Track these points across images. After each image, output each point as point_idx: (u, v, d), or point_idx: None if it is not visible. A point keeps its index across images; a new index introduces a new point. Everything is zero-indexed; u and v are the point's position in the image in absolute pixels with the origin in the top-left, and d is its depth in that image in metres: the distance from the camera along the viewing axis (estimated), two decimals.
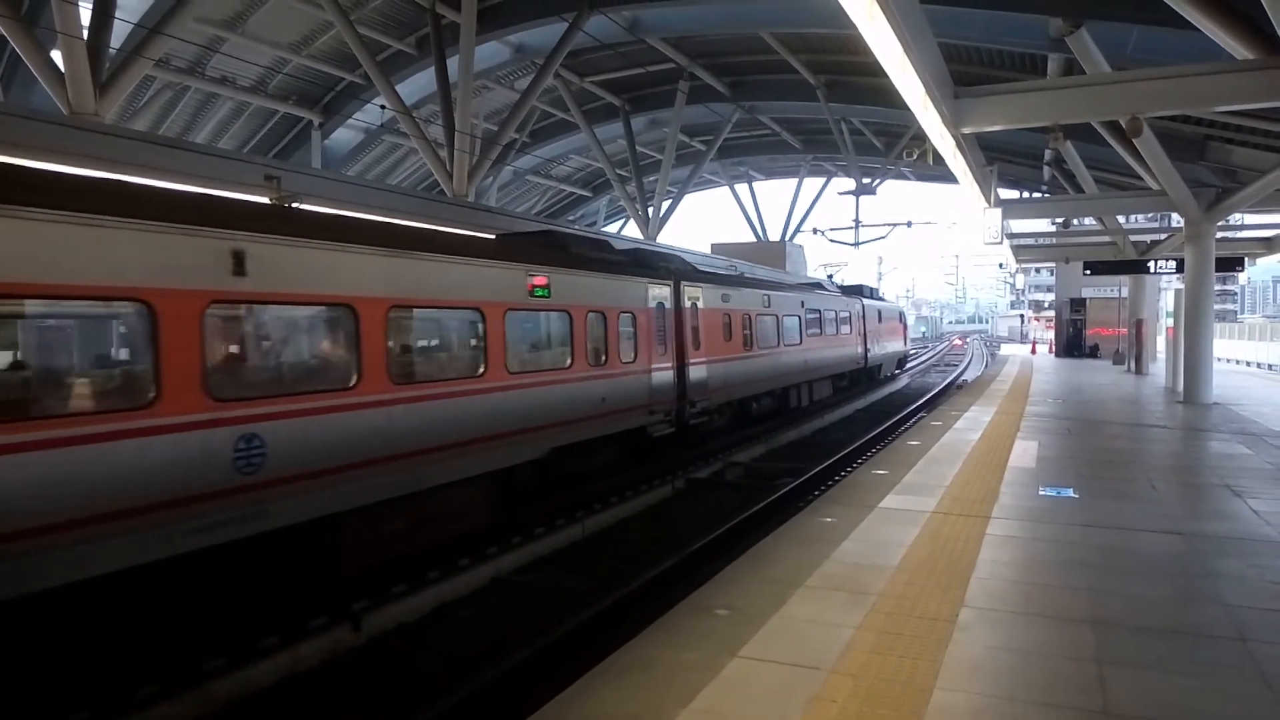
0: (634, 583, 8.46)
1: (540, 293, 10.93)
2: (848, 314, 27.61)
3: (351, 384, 7.95)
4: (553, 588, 8.87)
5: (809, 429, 20.86)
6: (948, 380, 35.58)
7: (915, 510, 7.96)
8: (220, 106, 24.64)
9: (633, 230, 35.62)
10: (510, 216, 20.28)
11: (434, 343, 9.86)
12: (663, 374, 14.31)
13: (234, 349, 7.25)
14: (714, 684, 4.27)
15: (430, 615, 8.15)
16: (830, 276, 38.66)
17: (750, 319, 18.62)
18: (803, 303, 22.93)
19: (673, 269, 15.78)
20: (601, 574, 9.19)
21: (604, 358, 12.47)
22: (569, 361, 11.60)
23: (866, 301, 30.56)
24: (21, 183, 5.82)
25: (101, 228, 5.98)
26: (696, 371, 15.60)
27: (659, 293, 14.42)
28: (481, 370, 9.80)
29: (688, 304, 15.48)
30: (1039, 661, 4.57)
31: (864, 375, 30.16)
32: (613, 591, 8.21)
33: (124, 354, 6.57)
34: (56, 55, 13.79)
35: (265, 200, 8.65)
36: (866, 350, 29.72)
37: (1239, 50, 9.56)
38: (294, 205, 8.48)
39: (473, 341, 9.92)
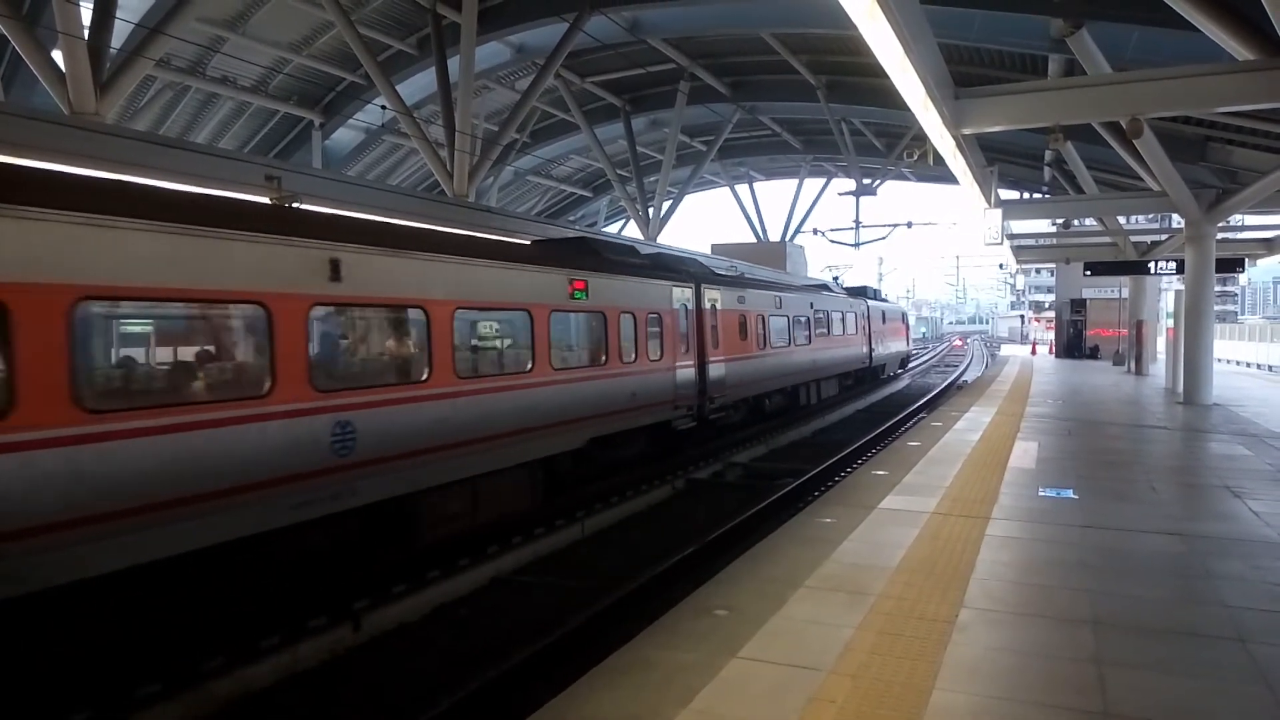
0: (633, 583, 8.46)
1: (579, 295, 11.79)
2: (853, 315, 28.21)
3: (424, 378, 8.83)
4: (552, 588, 8.87)
5: (809, 429, 20.86)
6: (948, 381, 35.56)
7: (915, 511, 7.96)
8: (221, 106, 24.64)
9: (633, 230, 35.64)
10: (511, 217, 20.29)
11: (490, 341, 10.63)
12: (685, 371, 15.05)
13: (330, 345, 8.17)
14: (713, 684, 4.27)
15: (430, 615, 8.15)
16: (836, 279, 39.53)
17: (764, 320, 19.29)
18: (811, 304, 23.55)
19: (693, 272, 16.50)
20: (601, 574, 9.19)
21: (634, 356, 13.25)
22: (604, 359, 12.39)
23: (871, 303, 31.14)
24: (164, 203, 6.65)
25: (230, 241, 6.84)
26: (715, 369, 16.32)
27: (682, 295, 15.18)
28: (530, 366, 10.64)
29: (707, 305, 16.22)
30: (1038, 662, 4.56)
31: (869, 375, 30.79)
32: (612, 592, 8.21)
33: (247, 349, 7.36)
34: (57, 55, 13.80)
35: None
36: (871, 350, 30.31)
37: (1239, 51, 9.57)
38: (293, 205, 8.48)
39: (522, 340, 10.70)
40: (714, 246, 37.45)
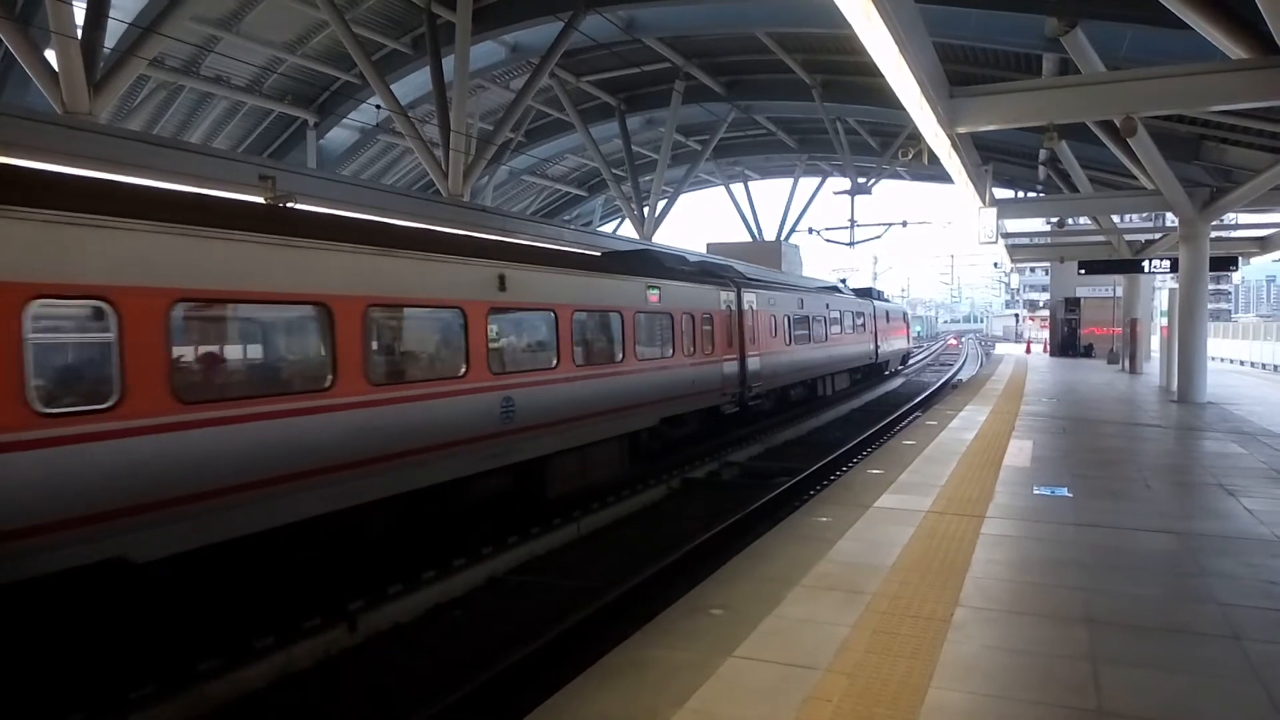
0: (629, 583, 8.46)
1: (653, 299, 14.16)
2: (862, 315, 30.39)
3: (554, 365, 11.18)
4: (548, 588, 8.87)
5: (805, 428, 20.89)
6: (943, 380, 35.62)
7: (910, 510, 7.97)
8: (215, 106, 24.57)
9: (628, 230, 35.60)
10: (508, 217, 20.27)
11: (595, 336, 12.61)
12: (730, 364, 17.24)
13: (498, 339, 10.26)
14: (709, 684, 4.27)
15: (426, 616, 8.14)
16: (844, 281, 41.19)
17: (789, 320, 21.54)
18: (827, 305, 25.79)
19: (732, 278, 18.57)
20: (597, 574, 9.20)
21: (693, 350, 15.47)
22: (671, 352, 14.66)
23: (876, 303, 33.50)
24: (408, 237, 9.25)
25: (441, 263, 9.25)
26: (753, 363, 18.45)
27: (727, 297, 17.38)
28: (620, 358, 12.90)
29: (746, 307, 18.32)
30: (1034, 660, 4.57)
31: (875, 370, 33.22)
32: (608, 592, 8.21)
33: (452, 340, 9.57)
34: (51, 55, 13.75)
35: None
36: (877, 347, 32.54)
37: (1233, 50, 9.58)
38: (288, 205, 8.47)
39: (616, 336, 12.89)
40: (709, 245, 37.42)
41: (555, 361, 11.15)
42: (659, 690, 4.20)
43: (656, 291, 14.26)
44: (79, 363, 6.16)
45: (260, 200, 8.44)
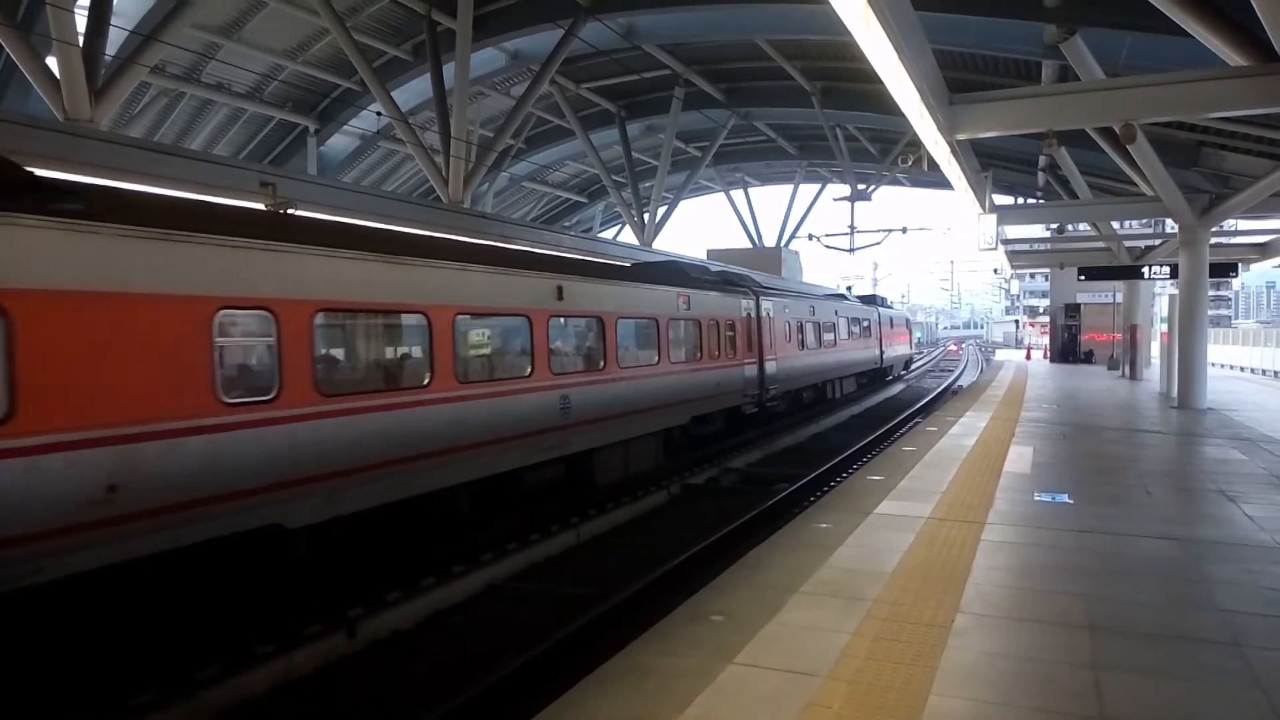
0: (628, 589, 8.44)
1: (685, 307, 15.42)
2: (867, 321, 31.53)
3: (602, 366, 12.44)
4: (547, 595, 8.85)
5: (804, 434, 20.87)
6: (943, 386, 35.62)
7: (911, 516, 7.96)
8: (216, 113, 24.62)
9: (628, 236, 35.65)
10: (506, 223, 20.30)
11: (634, 341, 13.78)
12: (750, 367, 18.50)
13: (556, 342, 11.54)
14: (708, 691, 4.26)
15: (424, 622, 8.13)
16: (850, 288, 42.76)
17: (802, 326, 22.73)
18: (836, 312, 26.89)
19: (751, 286, 19.85)
20: (596, 581, 9.17)
21: (718, 354, 16.71)
22: (700, 356, 15.90)
23: (881, 310, 34.90)
24: (505, 256, 11.15)
25: (512, 276, 10.63)
26: (770, 366, 19.65)
27: (747, 305, 18.62)
28: (657, 361, 14.13)
29: (764, 314, 19.50)
30: (1035, 667, 4.56)
31: (879, 374, 34.26)
32: (607, 598, 8.19)
33: (520, 345, 10.90)
34: (52, 61, 13.77)
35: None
36: (882, 352, 33.71)
37: (1233, 57, 9.60)
38: (289, 211, 8.47)
39: (652, 341, 14.12)
40: (709, 252, 37.48)
41: (603, 364, 12.47)
42: (659, 697, 4.19)
43: (686, 300, 15.51)
44: (251, 362, 7.49)
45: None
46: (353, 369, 8.77)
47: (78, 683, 6.12)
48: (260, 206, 8.52)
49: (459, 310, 9.53)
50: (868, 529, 7.51)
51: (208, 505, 6.67)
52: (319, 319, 7.80)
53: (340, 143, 27.56)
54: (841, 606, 5.48)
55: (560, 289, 11.47)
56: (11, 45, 14.05)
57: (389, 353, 9.35)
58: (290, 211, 8.50)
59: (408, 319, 9.08)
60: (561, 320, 11.70)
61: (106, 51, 14.55)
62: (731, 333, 17.38)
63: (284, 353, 7.38)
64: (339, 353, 8.63)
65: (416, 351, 9.25)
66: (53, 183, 6.49)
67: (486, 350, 10.55)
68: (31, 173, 6.35)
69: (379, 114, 21.75)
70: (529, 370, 10.78)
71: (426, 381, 9.02)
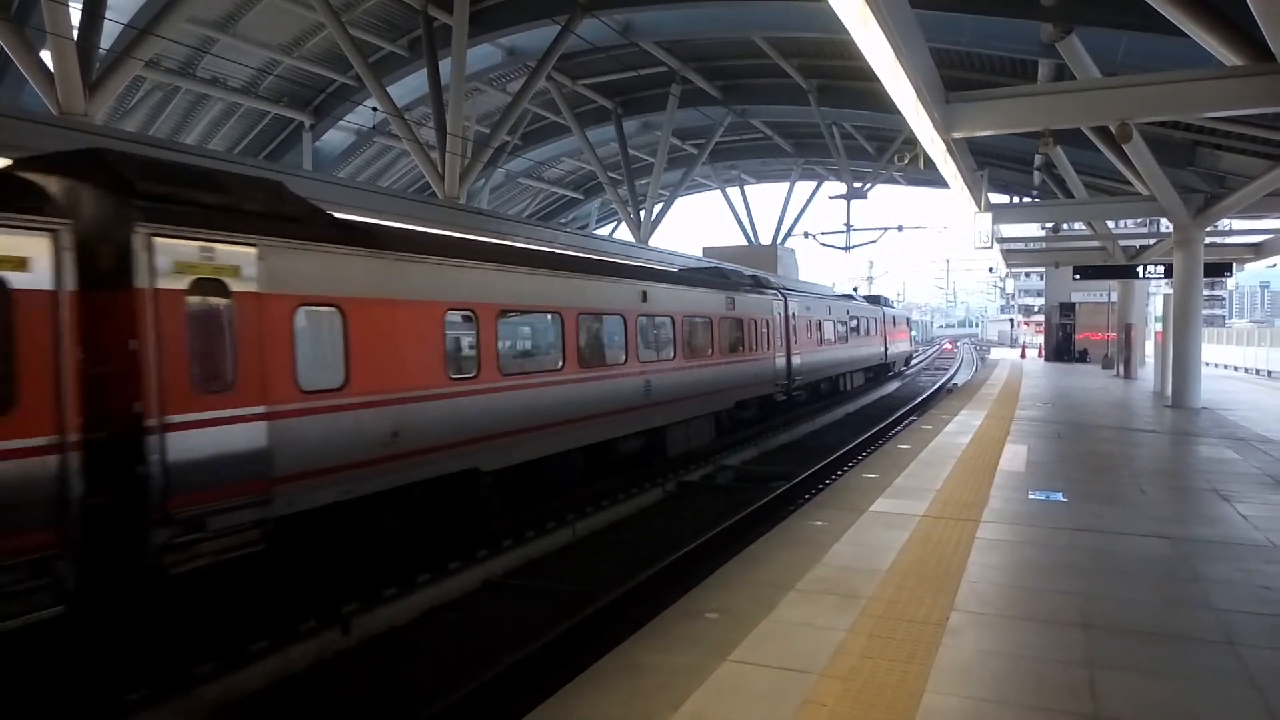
0: (624, 586, 8.45)
1: (731, 307, 17.77)
2: (873, 320, 33.79)
3: (671, 357, 14.79)
4: (543, 591, 8.86)
5: (800, 432, 20.91)
6: (938, 384, 35.69)
7: (906, 514, 7.98)
8: (211, 107, 24.53)
9: (624, 234, 35.62)
10: (503, 220, 20.27)
11: (695, 336, 15.95)
12: (780, 360, 20.90)
13: (640, 337, 13.85)
14: (704, 688, 4.27)
15: (421, 618, 8.13)
16: (856, 289, 45.64)
17: (821, 324, 25.21)
18: (848, 311, 29.29)
19: (779, 288, 22.22)
20: (592, 578, 9.18)
21: (755, 348, 19.04)
22: (741, 349, 18.18)
23: (885, 310, 37.36)
24: (615, 269, 14.03)
25: (614, 282, 13.24)
26: (795, 360, 22.06)
27: (777, 305, 21.04)
28: (711, 353, 16.49)
29: (790, 313, 21.82)
30: (1029, 665, 4.58)
31: (883, 369, 36.60)
32: (603, 595, 8.20)
33: (615, 339, 13.22)
34: (46, 55, 13.71)
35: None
36: (886, 349, 36.02)
37: (1228, 57, 9.63)
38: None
39: (707, 335, 16.40)
40: (705, 249, 37.48)
41: (674, 355, 14.87)
42: (654, 694, 4.20)
43: (732, 301, 17.86)
44: (461, 349, 9.88)
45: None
46: (517, 355, 11.26)
47: (76, 682, 6.11)
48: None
49: (580, 311, 12.11)
50: (863, 526, 7.53)
51: (441, 451, 9.28)
52: (500, 318, 10.39)
53: (336, 138, 27.47)
54: (837, 604, 5.49)
55: (644, 293, 14.00)
56: (6, 39, 13.99)
57: (538, 343, 11.84)
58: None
59: (550, 318, 11.63)
60: (644, 319, 14.05)
61: (101, 45, 14.50)
62: (766, 330, 19.73)
63: (481, 342, 10.01)
64: (509, 343, 10.98)
65: (555, 342, 11.71)
66: (346, 221, 8.89)
67: (596, 342, 12.81)
68: (332, 215, 8.66)
69: (375, 109, 21.66)
70: (624, 359, 13.29)
71: (560, 366, 11.60)
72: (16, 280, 5.65)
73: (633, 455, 14.00)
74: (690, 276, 17.46)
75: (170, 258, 6.58)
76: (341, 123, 25.69)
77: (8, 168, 6.82)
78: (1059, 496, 8.75)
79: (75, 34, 13.48)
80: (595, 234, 25.57)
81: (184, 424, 6.56)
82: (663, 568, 9.09)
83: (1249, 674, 4.45)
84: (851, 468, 13.17)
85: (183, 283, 6.66)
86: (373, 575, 8.47)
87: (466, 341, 9.91)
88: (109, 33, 14.93)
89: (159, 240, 6.51)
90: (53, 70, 13.43)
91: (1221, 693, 4.24)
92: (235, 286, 7.09)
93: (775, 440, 19.13)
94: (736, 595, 5.65)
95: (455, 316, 9.63)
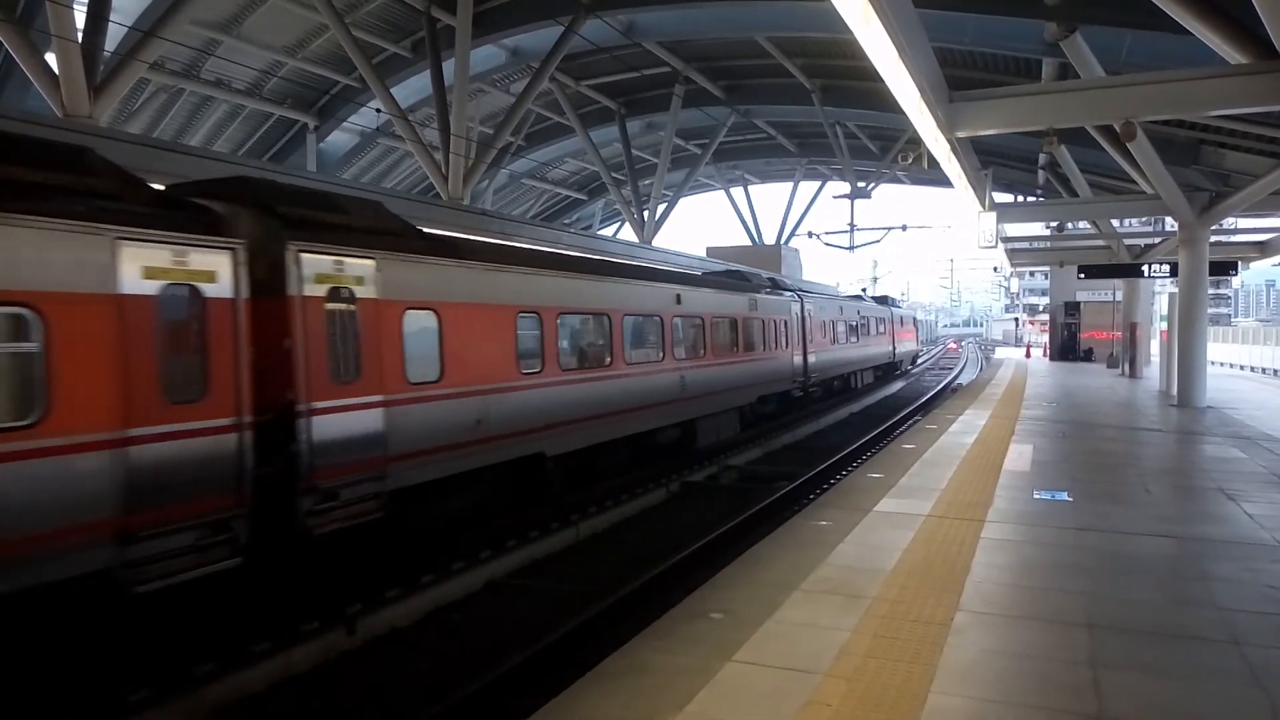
0: (627, 587, 8.44)
1: (753, 308, 19.08)
2: (882, 319, 34.89)
3: (703, 354, 16.16)
4: (547, 592, 8.85)
5: (804, 432, 20.87)
6: (943, 384, 35.62)
7: (910, 514, 7.96)
8: (215, 109, 24.58)
9: (628, 234, 35.62)
10: (506, 220, 20.27)
11: (723, 335, 17.24)
12: (797, 358, 22.27)
13: (677, 336, 15.17)
14: (708, 689, 4.26)
15: (424, 619, 8.13)
16: (865, 290, 47.61)
17: (834, 324, 26.41)
18: (859, 311, 30.48)
19: (795, 290, 23.76)
20: (596, 578, 9.17)
21: (775, 347, 20.39)
22: (763, 348, 19.50)
23: (893, 310, 38.81)
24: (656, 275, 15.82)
25: (654, 286, 14.73)
26: (811, 358, 23.39)
27: (794, 305, 22.36)
28: (736, 351, 17.84)
29: (806, 314, 23.12)
30: (1034, 665, 4.56)
31: (891, 367, 37.82)
32: (606, 596, 8.19)
33: (654, 339, 14.55)
34: (51, 58, 13.75)
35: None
36: (894, 347, 37.36)
37: (1233, 55, 9.58)
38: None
39: (731, 335, 17.63)
40: (709, 250, 37.48)
41: (704, 353, 16.16)
42: (658, 695, 4.19)
43: (755, 302, 19.20)
44: (530, 347, 11.07)
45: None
46: (573, 352, 12.34)
47: (75, 679, 6.12)
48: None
49: (626, 312, 13.40)
50: (867, 526, 7.51)
51: (514, 437, 10.57)
52: (560, 319, 11.63)
53: (340, 139, 27.52)
54: (841, 604, 5.48)
55: (679, 296, 15.26)
56: (10, 41, 14.04)
57: (591, 341, 12.87)
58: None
59: (601, 319, 12.90)
60: (679, 319, 15.28)
61: (105, 47, 14.53)
62: (785, 330, 21.06)
63: (544, 340, 11.20)
64: (567, 341, 12.07)
65: (605, 341, 12.94)
66: (434, 235, 10.22)
67: (640, 341, 14.08)
68: (423, 230, 9.98)
69: (378, 111, 21.73)
70: (662, 356, 14.52)
71: (609, 362, 12.86)
72: (208, 290, 6.87)
73: (670, 445, 15.31)
74: (717, 280, 18.88)
75: (312, 270, 7.83)
76: (345, 124, 25.75)
77: (173, 192, 7.76)
78: (1064, 496, 8.73)
79: (80, 36, 13.51)
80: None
81: (324, 409, 7.83)
82: (666, 568, 9.08)
83: (1254, 674, 4.43)
84: (856, 468, 13.16)
85: (321, 291, 7.91)
86: (376, 576, 8.46)
87: (533, 340, 11.09)
88: (113, 35, 14.97)
89: (304, 255, 7.76)
90: (57, 73, 13.46)
91: (1226, 693, 4.22)
92: (360, 293, 8.34)
93: (779, 440, 19.10)
94: (740, 595, 5.64)
95: (524, 318, 10.89)
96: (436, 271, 9.44)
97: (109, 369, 6.11)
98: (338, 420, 7.94)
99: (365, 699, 6.49)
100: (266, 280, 7.48)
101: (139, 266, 6.38)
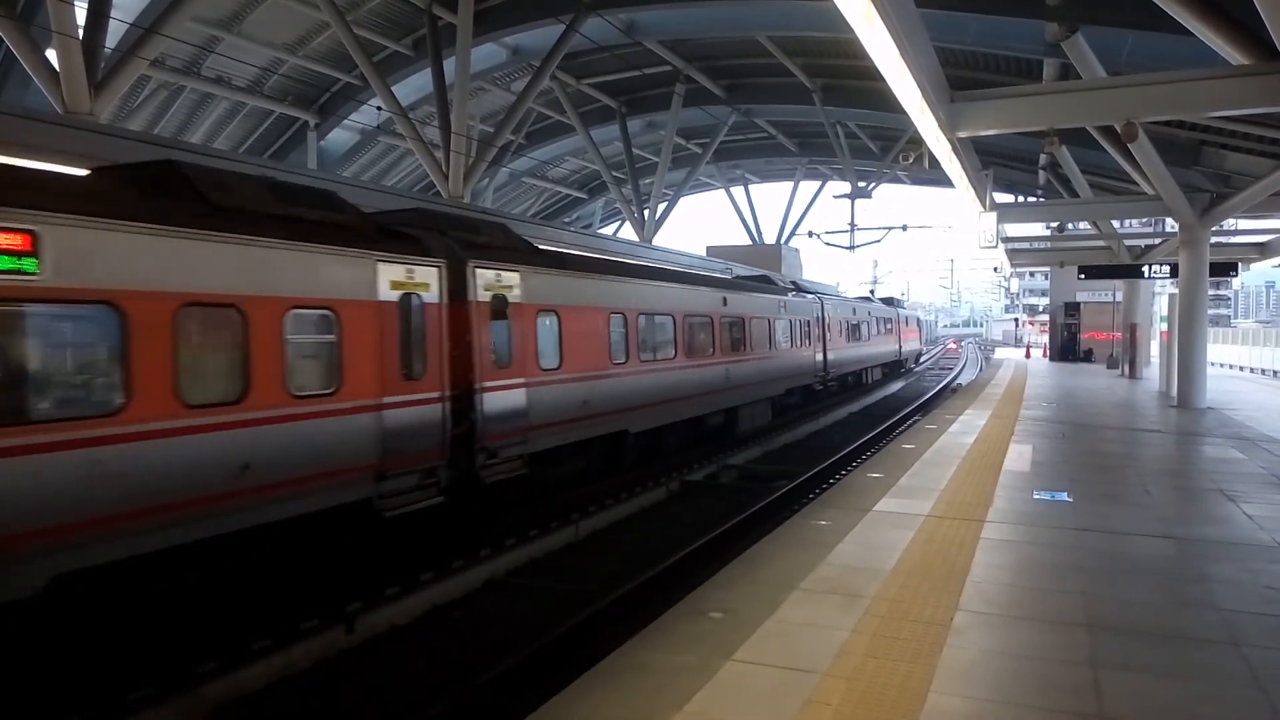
0: (627, 586, 8.44)
1: (782, 309, 21.29)
2: (889, 319, 36.72)
3: (743, 350, 18.08)
4: (546, 590, 8.85)
5: (804, 431, 20.88)
6: (942, 384, 35.63)
7: (910, 514, 7.96)
8: (216, 106, 24.59)
9: (628, 233, 35.62)
10: (507, 219, 20.22)
11: (756, 333, 19.04)
12: (818, 354, 24.59)
13: (723, 334, 17.12)
14: (707, 688, 4.26)
15: (424, 617, 8.12)
16: (872, 291, 49.68)
17: (848, 324, 28.58)
18: (870, 312, 32.59)
19: (816, 292, 26.32)
20: (595, 577, 9.17)
21: (800, 344, 22.69)
22: (791, 345, 21.78)
23: (899, 310, 41.17)
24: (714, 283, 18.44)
25: (704, 288, 17.00)
26: (829, 355, 25.51)
27: (816, 307, 24.55)
28: (769, 348, 19.95)
29: (825, 314, 25.24)
30: (1033, 665, 4.56)
31: (897, 365, 39.40)
32: (606, 595, 8.19)
33: (704, 336, 16.32)
34: (52, 54, 13.74)
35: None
36: (900, 346, 39.02)
37: (1234, 56, 9.59)
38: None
39: (765, 333, 19.69)
40: (709, 249, 37.45)
41: (744, 349, 18.13)
42: (658, 694, 4.19)
43: (784, 304, 21.51)
44: (618, 342, 13.05)
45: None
46: (648, 347, 14.12)
47: (76, 679, 6.12)
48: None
49: (685, 313, 15.43)
50: (867, 526, 7.51)
51: (608, 415, 12.74)
52: (639, 319, 13.65)
53: (340, 137, 27.52)
54: (841, 604, 5.48)
55: (725, 298, 17.34)
56: (11, 38, 14.03)
57: (660, 338, 14.63)
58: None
59: (667, 319, 14.81)
60: (725, 319, 17.20)
61: (106, 44, 14.53)
62: (808, 329, 23.40)
63: (628, 337, 13.28)
64: (643, 338, 13.90)
65: (670, 338, 14.84)
66: (547, 250, 12.43)
67: (696, 338, 15.89)
68: (530, 242, 12.04)
69: (379, 108, 21.72)
70: (711, 351, 16.44)
71: (673, 355, 14.87)
72: (425, 297, 9.12)
73: (716, 429, 17.32)
74: (753, 284, 21.19)
75: (483, 282, 10.05)
76: (346, 122, 25.74)
77: (386, 222, 9.61)
78: (1064, 496, 8.73)
79: (80, 33, 13.51)
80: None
81: (491, 388, 10.05)
82: (666, 567, 9.08)
83: (1254, 675, 4.43)
84: (856, 467, 13.16)
85: (488, 297, 10.13)
86: (375, 574, 8.46)
87: (620, 336, 13.10)
88: (114, 31, 14.96)
89: (479, 270, 9.99)
90: (58, 69, 13.46)
91: (1226, 693, 4.23)
92: (511, 299, 10.53)
93: (779, 440, 19.11)
94: (740, 595, 5.64)
95: (614, 317, 12.98)
96: (555, 280, 11.61)
97: (373, 354, 8.34)
98: (499, 396, 10.18)
99: (365, 698, 6.49)
100: (454, 289, 9.61)
101: (388, 280, 8.63)
